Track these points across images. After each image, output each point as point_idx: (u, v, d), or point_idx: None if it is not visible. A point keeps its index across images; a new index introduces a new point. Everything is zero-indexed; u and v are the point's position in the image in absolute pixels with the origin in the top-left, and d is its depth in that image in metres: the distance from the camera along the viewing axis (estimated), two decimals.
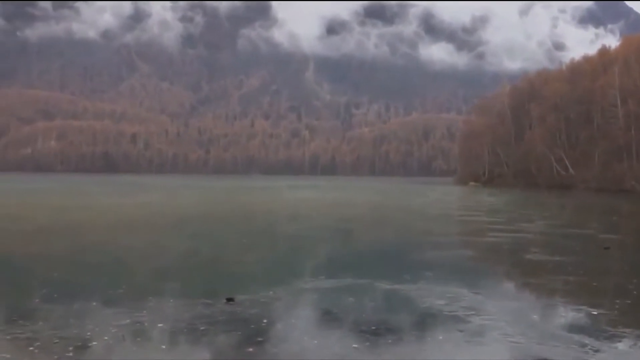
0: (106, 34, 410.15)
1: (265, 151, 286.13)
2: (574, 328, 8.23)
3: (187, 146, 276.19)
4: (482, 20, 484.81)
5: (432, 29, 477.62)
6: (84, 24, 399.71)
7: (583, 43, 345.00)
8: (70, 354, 6.76)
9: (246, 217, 30.07)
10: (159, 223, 26.46)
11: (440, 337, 7.76)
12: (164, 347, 7.17)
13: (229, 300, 9.56)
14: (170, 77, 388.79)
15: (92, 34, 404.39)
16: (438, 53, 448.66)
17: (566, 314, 9.34)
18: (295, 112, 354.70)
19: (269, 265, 14.76)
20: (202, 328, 8.00)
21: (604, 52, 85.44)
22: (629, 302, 10.03)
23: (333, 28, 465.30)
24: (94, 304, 9.38)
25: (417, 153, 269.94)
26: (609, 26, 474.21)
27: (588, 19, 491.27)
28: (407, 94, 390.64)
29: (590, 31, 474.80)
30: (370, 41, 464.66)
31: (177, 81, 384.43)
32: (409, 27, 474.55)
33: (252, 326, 8.15)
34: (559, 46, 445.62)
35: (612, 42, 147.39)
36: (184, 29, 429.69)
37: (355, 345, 7.31)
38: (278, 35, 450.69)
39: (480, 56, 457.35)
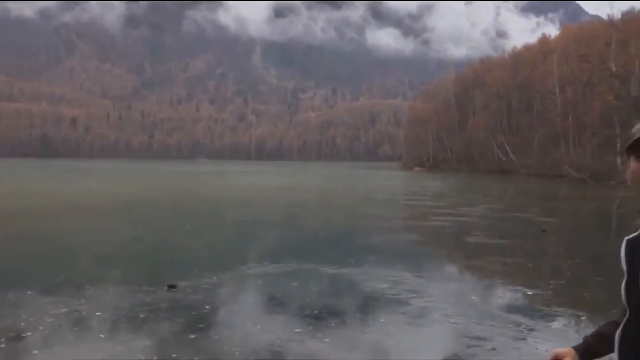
0: (43, 13, 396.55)
1: (211, 136, 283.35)
2: (511, 308, 8.47)
3: (129, 130, 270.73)
4: (427, 7, 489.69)
5: (379, 14, 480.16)
6: (20, 1, 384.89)
7: (525, 31, 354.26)
8: (2, 345, 6.52)
9: (190, 203, 29.70)
10: (100, 209, 25.84)
11: (382, 320, 7.85)
12: (102, 336, 7.01)
13: (171, 287, 9.42)
14: (112, 58, 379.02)
15: (28, 12, 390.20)
16: (385, 39, 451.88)
17: (504, 294, 9.59)
18: (241, 97, 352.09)
19: (212, 251, 14.63)
20: (142, 316, 7.85)
21: (544, 41, 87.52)
22: (563, 282, 10.39)
23: (280, 11, 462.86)
24: (30, 293, 9.10)
25: (363, 138, 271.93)
26: (549, 15, 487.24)
27: (529, 8, 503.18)
28: (354, 79, 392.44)
29: (532, 20, 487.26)
30: (317, 25, 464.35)
31: (119, 63, 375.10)
32: (356, 12, 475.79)
33: (194, 313, 8.06)
34: (502, 34, 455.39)
35: (552, 31, 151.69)
36: (126, 9, 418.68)
37: (299, 330, 7.32)
38: (224, 17, 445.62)
39: (426, 43, 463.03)
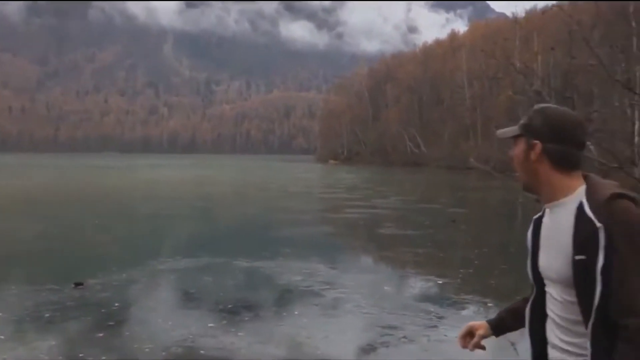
0: None
1: (121, 129, 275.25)
2: (422, 297, 8.69)
3: (33, 123, 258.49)
4: (340, 1, 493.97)
5: (292, 7, 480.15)
6: None
7: (435, 27, 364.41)
8: None
9: (99, 198, 28.72)
10: (1, 206, 24.55)
11: (296, 312, 7.87)
12: (2, 337, 6.65)
13: (78, 284, 9.06)
14: (13, 48, 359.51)
15: None
16: (299, 32, 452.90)
17: (415, 284, 9.84)
18: (152, 88, 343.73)
19: (123, 247, 14.18)
20: (47, 315, 7.50)
21: (453, 36, 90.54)
22: (471, 271, 10.76)
23: (192, 2, 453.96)
24: None
25: (278, 131, 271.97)
26: (458, 11, 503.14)
27: (440, 4, 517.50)
28: (268, 71, 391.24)
29: (442, 16, 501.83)
30: (230, 17, 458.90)
31: (21, 53, 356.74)
32: (270, 4, 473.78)
33: (103, 310, 7.78)
34: (413, 29, 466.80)
35: (461, 26, 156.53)
36: None
37: (212, 324, 7.22)
38: (133, 7, 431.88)
39: (340, 36, 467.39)
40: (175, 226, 18.06)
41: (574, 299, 1.76)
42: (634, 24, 35.47)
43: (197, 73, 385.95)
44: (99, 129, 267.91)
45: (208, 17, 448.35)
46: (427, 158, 72.42)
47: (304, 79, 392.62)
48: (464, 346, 2.15)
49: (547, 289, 1.88)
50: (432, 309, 7.83)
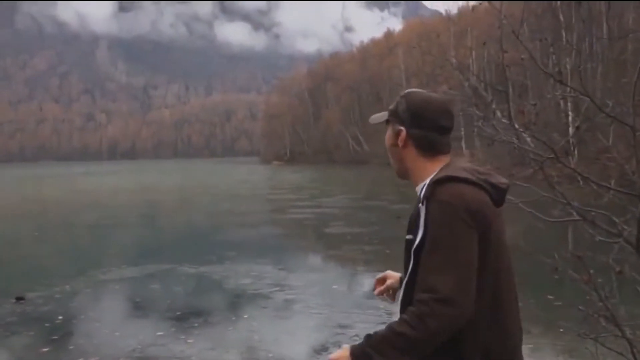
0: None
1: (58, 137, 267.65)
2: (371, 295, 8.67)
3: None
4: (275, 2, 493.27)
5: (227, 9, 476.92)
6: None
7: (370, 26, 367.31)
8: None
9: (38, 209, 27.78)
10: None
11: (246, 316, 7.80)
12: None
13: (19, 299, 8.75)
14: None
15: None
16: (235, 34, 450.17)
17: (364, 282, 9.90)
18: (88, 95, 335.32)
19: (64, 258, 13.79)
20: None
21: (389, 35, 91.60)
22: None
23: (125, 6, 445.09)
24: None
25: (220, 134, 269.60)
26: (392, 9, 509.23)
27: (373, 3, 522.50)
28: (206, 75, 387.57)
29: (377, 14, 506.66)
30: (165, 21, 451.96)
31: None
32: (204, 6, 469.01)
33: (47, 324, 7.55)
34: (349, 29, 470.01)
35: (396, 24, 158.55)
36: None
37: (160, 333, 7.09)
38: (63, 13, 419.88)
39: (277, 37, 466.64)
40: (118, 235, 17.65)
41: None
42: (562, 17, 36.72)
43: (134, 78, 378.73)
44: (35, 138, 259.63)
45: (142, 22, 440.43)
46: (369, 155, 73.03)
47: (243, 81, 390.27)
48: (374, 290, 2.19)
49: None
50: (381, 306, 7.89)
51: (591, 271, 2.72)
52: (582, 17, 29.64)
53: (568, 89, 2.96)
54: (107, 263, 12.03)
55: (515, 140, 2.99)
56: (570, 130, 26.47)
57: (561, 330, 6.44)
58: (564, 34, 33.89)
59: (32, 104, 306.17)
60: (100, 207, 27.69)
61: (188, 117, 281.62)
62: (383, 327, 1.71)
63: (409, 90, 1.96)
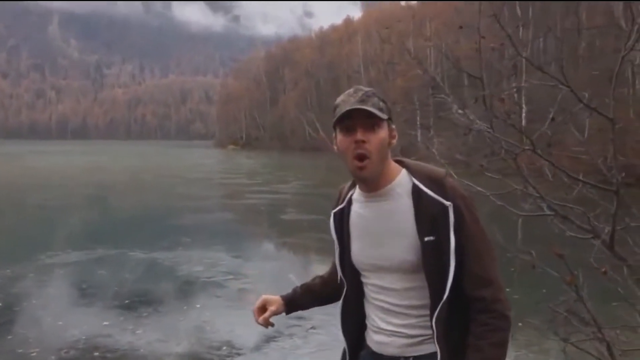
0: None
1: (5, 113, 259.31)
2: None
3: None
4: None
5: None
6: None
7: (329, 13, 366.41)
8: None
9: None
10: None
11: (198, 305, 7.56)
12: None
13: None
14: None
15: None
16: (193, 14, 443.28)
17: (320, 270, 9.65)
18: (38, 71, 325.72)
19: (7, 241, 13.23)
20: None
21: (348, 22, 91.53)
22: None
23: None
24: None
25: (174, 116, 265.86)
26: None
27: None
28: (162, 55, 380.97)
29: (336, 1, 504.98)
30: None
31: None
32: None
33: None
34: (309, 14, 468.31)
35: (355, 12, 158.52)
36: None
37: (107, 323, 6.77)
38: None
39: (236, 19, 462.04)
40: (65, 217, 17.05)
41: (417, 284, 1.71)
42: (519, 11, 37.22)
43: (87, 55, 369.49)
44: None
45: None
46: (325, 142, 73.10)
47: (200, 62, 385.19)
48: (256, 319, 2.05)
49: (369, 280, 1.80)
50: None
51: (574, 272, 2.60)
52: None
53: (523, 81, 2.83)
54: (54, 246, 11.57)
55: (490, 130, 2.83)
56: (524, 122, 26.81)
57: (520, 324, 6.38)
58: (520, 28, 34.43)
59: None
60: (47, 187, 26.83)
61: (142, 97, 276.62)
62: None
63: (370, 88, 1.77)
